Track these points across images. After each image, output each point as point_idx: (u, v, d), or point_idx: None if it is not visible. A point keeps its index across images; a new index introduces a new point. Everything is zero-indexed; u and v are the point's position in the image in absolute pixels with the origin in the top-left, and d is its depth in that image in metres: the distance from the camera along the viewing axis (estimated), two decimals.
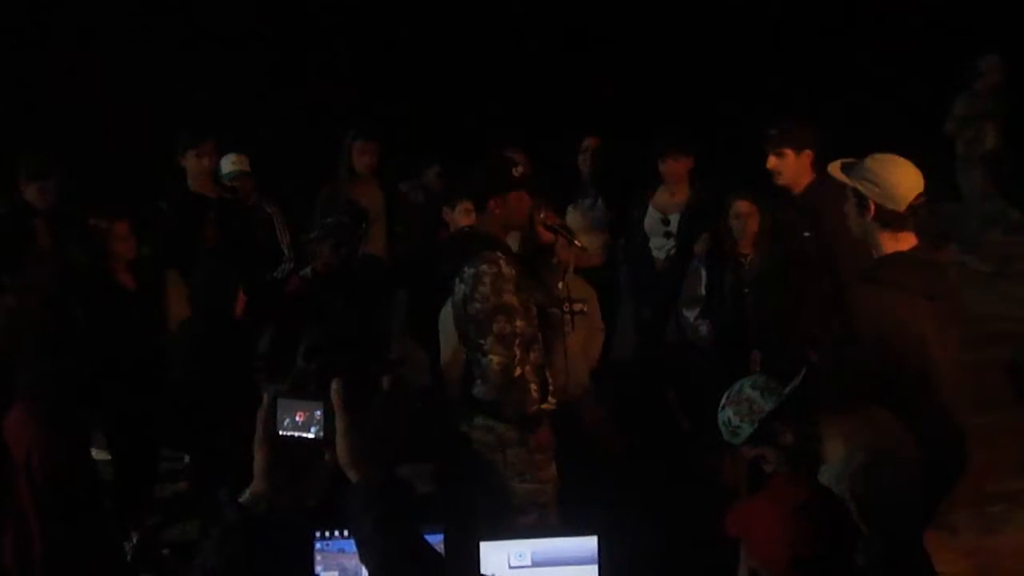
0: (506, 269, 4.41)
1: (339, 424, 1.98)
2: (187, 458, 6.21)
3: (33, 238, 5.14)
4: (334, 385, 1.99)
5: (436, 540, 3.35)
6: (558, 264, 6.00)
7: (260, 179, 7.18)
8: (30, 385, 4.93)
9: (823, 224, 5.22)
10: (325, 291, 6.00)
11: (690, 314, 6.31)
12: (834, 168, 4.14)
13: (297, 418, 2.00)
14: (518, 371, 4.44)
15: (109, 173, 7.17)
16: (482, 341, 4.42)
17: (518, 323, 4.44)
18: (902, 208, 3.93)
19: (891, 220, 3.95)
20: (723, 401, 3.60)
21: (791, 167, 5.41)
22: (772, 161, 5.42)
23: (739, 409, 3.52)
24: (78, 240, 5.55)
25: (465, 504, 4.69)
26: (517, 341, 4.43)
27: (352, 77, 8.63)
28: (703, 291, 6.27)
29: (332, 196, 6.85)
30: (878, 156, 4.07)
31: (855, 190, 4.01)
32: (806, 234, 5.36)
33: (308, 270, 6.12)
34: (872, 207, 3.95)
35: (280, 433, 2.01)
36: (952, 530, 5.08)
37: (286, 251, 6.95)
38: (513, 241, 4.83)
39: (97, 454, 5.47)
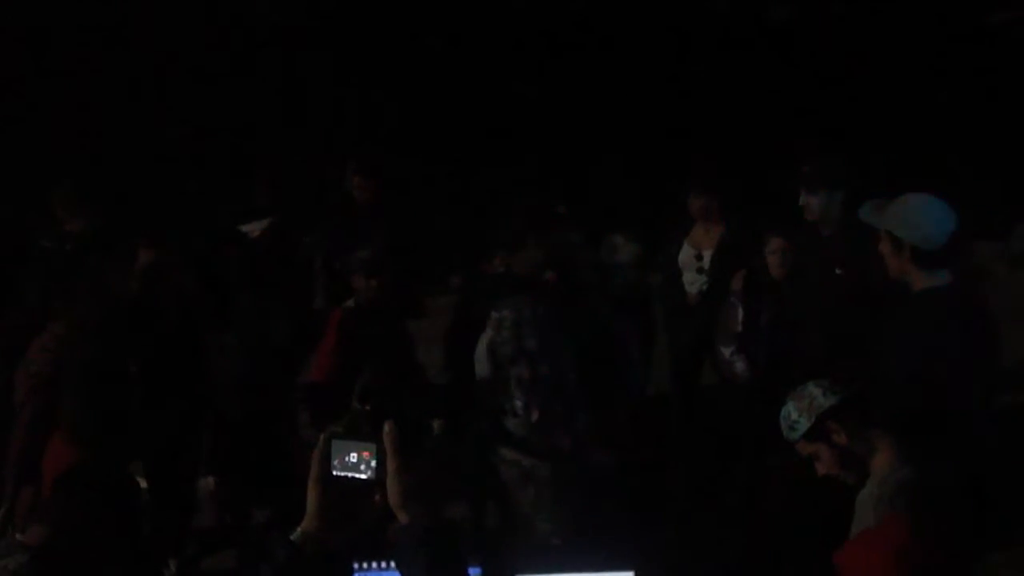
0: (527, 313, 4.43)
1: (390, 466, 2.01)
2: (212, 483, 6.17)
3: (82, 269, 5.20)
4: (386, 427, 2.02)
5: (474, 573, 3.38)
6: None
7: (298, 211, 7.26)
8: (73, 414, 4.99)
9: (854, 263, 5.26)
10: (370, 325, 6.03)
11: (726, 350, 6.31)
12: (865, 213, 4.25)
13: (350, 458, 2.03)
14: (535, 415, 4.49)
15: (159, 204, 7.29)
16: (511, 382, 4.48)
17: (541, 368, 4.48)
18: (936, 247, 4.04)
19: (926, 258, 4.06)
20: (788, 397, 3.68)
21: (823, 206, 5.43)
22: (805, 199, 5.44)
23: (800, 404, 3.60)
24: (125, 270, 5.61)
25: (498, 537, 4.72)
26: (537, 386, 4.47)
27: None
28: (739, 327, 6.27)
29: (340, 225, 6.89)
30: (909, 197, 4.17)
31: (890, 233, 4.11)
32: (837, 271, 5.38)
33: (351, 303, 6.14)
34: (908, 248, 4.06)
35: (334, 473, 2.04)
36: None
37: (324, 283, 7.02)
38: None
39: None
